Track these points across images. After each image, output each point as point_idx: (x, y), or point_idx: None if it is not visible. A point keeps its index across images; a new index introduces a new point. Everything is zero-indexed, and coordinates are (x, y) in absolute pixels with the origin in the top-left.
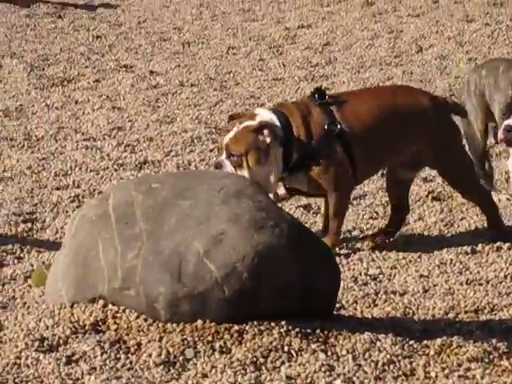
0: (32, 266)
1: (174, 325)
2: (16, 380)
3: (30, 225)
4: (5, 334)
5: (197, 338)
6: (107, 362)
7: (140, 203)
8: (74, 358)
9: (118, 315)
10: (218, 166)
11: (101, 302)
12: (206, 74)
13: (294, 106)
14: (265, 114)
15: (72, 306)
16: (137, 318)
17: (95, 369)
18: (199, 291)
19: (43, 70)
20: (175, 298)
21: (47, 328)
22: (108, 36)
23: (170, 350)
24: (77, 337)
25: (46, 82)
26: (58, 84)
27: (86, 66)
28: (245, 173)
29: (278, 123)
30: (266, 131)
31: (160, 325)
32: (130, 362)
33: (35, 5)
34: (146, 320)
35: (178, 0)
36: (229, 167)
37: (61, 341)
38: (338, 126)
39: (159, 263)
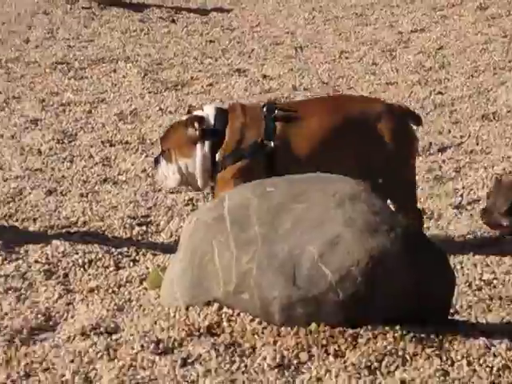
0: (147, 268)
1: (289, 328)
2: (132, 382)
3: (144, 228)
4: (121, 336)
5: (311, 342)
6: (222, 364)
7: (255, 207)
8: (189, 361)
9: (233, 318)
10: (155, 162)
11: (216, 305)
12: (319, 78)
13: (241, 109)
14: (205, 110)
15: (187, 309)
16: (251, 321)
17: (210, 371)
18: (313, 295)
19: (157, 74)
20: (289, 302)
21: (163, 330)
22: (221, 40)
23: (285, 353)
24: (192, 339)
25: (160, 86)
26: (171, 88)
27: (200, 70)
28: (173, 167)
29: (212, 120)
30: (195, 124)
31: (274, 328)
32: (245, 365)
33: (149, 9)
34: (260, 323)
35: (291, 4)
36: (162, 163)
37: (176, 343)
38: (272, 145)
39: (274, 267)
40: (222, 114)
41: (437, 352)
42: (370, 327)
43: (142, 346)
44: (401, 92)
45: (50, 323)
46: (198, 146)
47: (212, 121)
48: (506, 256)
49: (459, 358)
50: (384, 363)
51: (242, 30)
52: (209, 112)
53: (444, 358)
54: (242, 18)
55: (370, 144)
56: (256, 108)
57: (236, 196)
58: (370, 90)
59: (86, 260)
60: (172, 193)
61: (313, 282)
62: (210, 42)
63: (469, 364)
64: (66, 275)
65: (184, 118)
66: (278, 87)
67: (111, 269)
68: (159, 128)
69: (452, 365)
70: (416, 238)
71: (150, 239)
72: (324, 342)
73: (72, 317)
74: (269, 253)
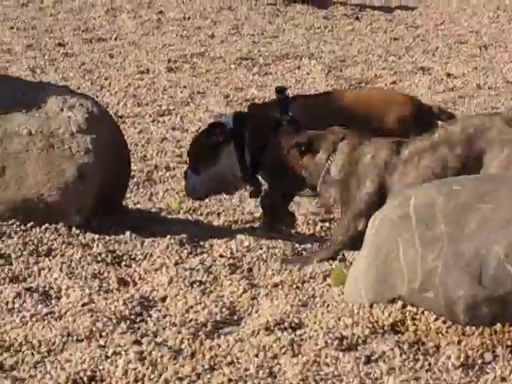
0: (331, 265)
1: (473, 328)
2: (316, 377)
3: (327, 224)
4: (305, 332)
5: (496, 342)
6: (406, 362)
7: (441, 205)
8: (373, 358)
9: (417, 317)
10: (184, 176)
11: (400, 302)
12: (504, 78)
13: (261, 114)
14: (223, 118)
15: (371, 306)
16: (435, 320)
17: (394, 369)
18: (499, 294)
19: (341, 71)
20: (475, 301)
21: (346, 327)
22: (405, 38)
23: (469, 353)
24: (376, 337)
25: (344, 83)
26: (355, 85)
27: (383, 68)
28: (201, 177)
29: (231, 124)
30: (216, 130)
31: (459, 327)
32: (429, 364)
33: (333, 6)
34: (444, 322)
35: (475, 3)
36: (191, 175)
37: (360, 340)
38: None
39: (459, 266)
40: (239, 117)
41: None
42: None
43: (326, 343)
44: None
45: (235, 317)
46: (223, 150)
47: (231, 125)
48: None
49: None
50: None
51: (426, 28)
52: (228, 118)
53: None
54: (427, 16)
55: None
56: (271, 105)
57: (421, 194)
58: None
59: (269, 255)
60: None
61: (499, 282)
62: (394, 39)
63: None
64: (250, 270)
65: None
66: (461, 86)
67: None
68: None
69: None
70: None
71: (330, 236)
72: (509, 342)
73: (256, 311)
74: (455, 251)
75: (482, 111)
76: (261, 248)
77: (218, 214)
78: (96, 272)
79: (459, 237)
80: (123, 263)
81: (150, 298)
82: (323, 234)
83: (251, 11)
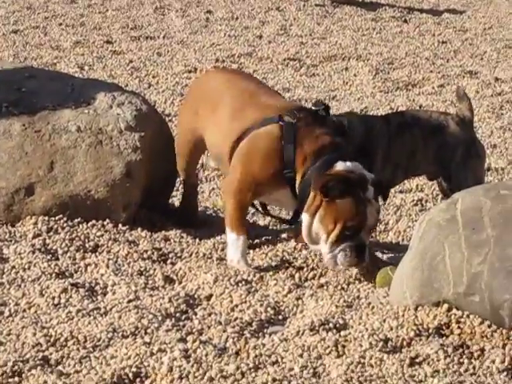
0: (378, 268)
1: None
2: (360, 379)
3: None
4: (350, 333)
5: None
6: (450, 365)
7: (488, 209)
8: (417, 360)
9: (462, 320)
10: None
11: (445, 305)
12: None
13: None
14: None
15: (416, 309)
16: (480, 323)
17: (438, 372)
18: None
19: (388, 73)
20: None
21: (391, 329)
22: (453, 41)
23: None
24: (420, 339)
25: (391, 86)
26: (402, 88)
27: (431, 71)
28: None
29: None
30: None
31: (504, 332)
32: (473, 367)
33: (381, 8)
34: (489, 326)
35: None
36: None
37: (404, 342)
38: None
39: (506, 270)
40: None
41: None
42: None
43: (371, 344)
44: None
45: (280, 317)
46: None
47: None
48: None
49: None
50: None
51: (474, 31)
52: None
53: None
54: (475, 20)
55: None
56: None
57: (469, 198)
58: None
59: (315, 255)
60: (401, 192)
61: None
62: (442, 42)
63: None
64: (295, 270)
65: None
66: (510, 90)
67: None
68: None
69: None
70: None
71: (377, 237)
72: None
73: (301, 311)
74: (501, 255)
75: None
76: (307, 248)
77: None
78: (142, 269)
79: (506, 241)
80: (169, 261)
81: (196, 296)
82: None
83: (299, 12)
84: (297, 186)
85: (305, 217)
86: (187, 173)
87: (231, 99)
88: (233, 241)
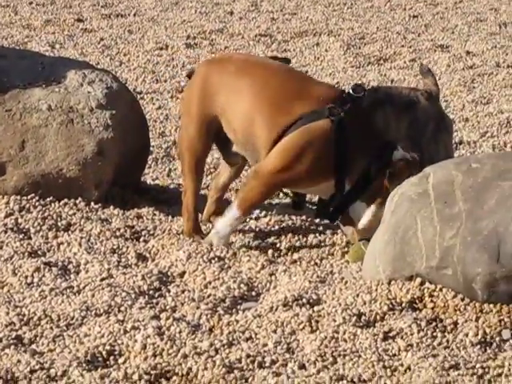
0: (348, 242)
1: (491, 305)
2: (334, 354)
3: None
4: (323, 308)
5: None
6: (423, 339)
7: (460, 183)
8: (390, 335)
9: (435, 294)
10: None
11: (418, 279)
12: None
13: None
14: None
15: (389, 283)
16: (453, 297)
17: (412, 346)
18: None
19: (359, 48)
20: (493, 279)
21: (364, 304)
22: (424, 15)
23: (487, 330)
24: (394, 313)
25: (363, 61)
26: (374, 63)
27: (402, 46)
28: None
29: None
30: None
31: (477, 305)
32: (447, 341)
33: None
34: (462, 299)
35: None
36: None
37: (378, 317)
38: None
39: (478, 243)
40: None
41: None
42: None
43: (344, 319)
44: None
45: (253, 293)
46: None
47: None
48: None
49: None
50: None
51: (445, 5)
52: None
53: None
54: None
55: None
56: None
57: (440, 172)
58: None
59: (289, 231)
60: None
61: None
62: (413, 17)
63: None
64: (268, 246)
65: None
66: (481, 64)
67: (312, 242)
68: None
69: None
70: None
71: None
72: None
73: (274, 287)
74: (473, 229)
75: (501, 89)
76: (280, 224)
77: (236, 191)
78: (115, 247)
79: (478, 214)
80: (142, 238)
81: (169, 273)
82: None
83: None
84: (347, 180)
85: (372, 207)
86: (198, 169)
87: (265, 85)
88: (232, 217)
